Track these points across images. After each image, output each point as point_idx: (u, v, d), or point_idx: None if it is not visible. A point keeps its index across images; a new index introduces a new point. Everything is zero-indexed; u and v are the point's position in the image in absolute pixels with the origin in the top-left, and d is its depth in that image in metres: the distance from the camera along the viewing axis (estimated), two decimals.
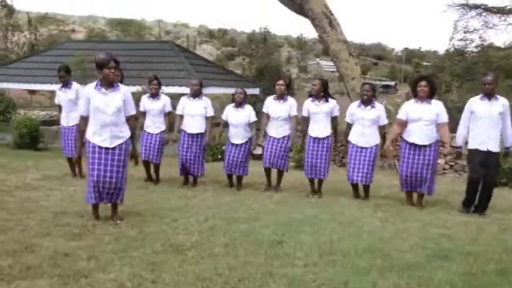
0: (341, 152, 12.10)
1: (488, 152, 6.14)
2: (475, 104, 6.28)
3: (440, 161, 11.50)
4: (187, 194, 6.87)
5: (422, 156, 6.38)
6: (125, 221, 5.16)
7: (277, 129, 7.21)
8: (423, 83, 6.41)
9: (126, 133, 5.21)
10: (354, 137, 6.88)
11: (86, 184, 5.20)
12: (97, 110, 5.02)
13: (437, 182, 6.79)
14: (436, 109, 6.36)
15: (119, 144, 5.11)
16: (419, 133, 6.37)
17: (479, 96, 6.30)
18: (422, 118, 6.34)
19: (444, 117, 6.38)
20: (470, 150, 6.34)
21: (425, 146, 6.36)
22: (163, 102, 7.59)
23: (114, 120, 5.06)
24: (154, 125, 7.61)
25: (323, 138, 7.00)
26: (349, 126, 6.95)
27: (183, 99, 7.56)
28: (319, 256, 4.22)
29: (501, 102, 6.18)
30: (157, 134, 7.61)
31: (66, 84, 7.80)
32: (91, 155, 5.07)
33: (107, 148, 5.05)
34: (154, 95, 7.60)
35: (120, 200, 5.28)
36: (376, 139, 6.83)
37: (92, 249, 4.21)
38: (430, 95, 6.43)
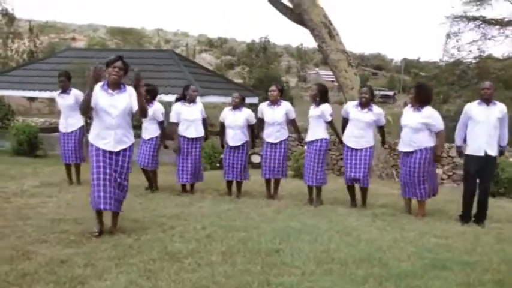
0: (339, 161, 12.13)
1: (486, 157, 6.13)
2: (473, 109, 6.28)
3: (439, 171, 11.54)
4: (185, 202, 6.86)
5: (409, 162, 6.42)
6: (121, 228, 5.10)
7: (274, 135, 7.25)
8: (412, 90, 6.58)
9: (131, 139, 5.02)
10: (346, 137, 6.91)
11: (91, 190, 4.87)
12: (101, 111, 4.84)
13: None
14: (426, 117, 6.31)
15: (123, 150, 4.93)
16: (405, 140, 6.46)
17: (477, 101, 6.31)
18: (408, 125, 6.40)
19: (436, 126, 6.33)
20: (467, 156, 6.34)
21: (411, 152, 6.38)
22: (154, 109, 7.56)
23: (119, 122, 4.88)
24: (146, 131, 7.64)
25: (311, 142, 7.04)
26: (345, 122, 6.92)
27: (177, 106, 7.49)
28: (316, 265, 4.21)
29: (499, 107, 6.20)
30: (148, 140, 7.61)
31: (64, 90, 7.81)
32: (95, 158, 4.86)
33: (110, 152, 4.86)
34: (147, 102, 7.63)
35: (120, 209, 5.07)
36: (369, 142, 6.82)
37: (88, 256, 4.20)
38: (422, 102, 6.40)
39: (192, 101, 7.51)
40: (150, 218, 5.74)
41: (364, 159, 6.78)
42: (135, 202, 6.60)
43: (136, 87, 4.85)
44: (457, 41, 19.87)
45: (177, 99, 7.65)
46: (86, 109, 4.95)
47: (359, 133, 6.77)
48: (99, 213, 5.00)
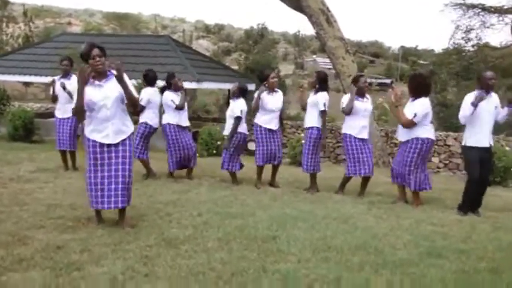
0: (336, 149, 12.14)
1: (487, 148, 6.11)
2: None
3: (435, 159, 11.57)
4: (182, 188, 6.86)
5: (401, 151, 6.52)
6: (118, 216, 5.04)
7: (275, 121, 7.28)
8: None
9: (130, 127, 4.74)
10: (355, 130, 6.79)
11: (86, 187, 4.71)
12: (95, 105, 4.52)
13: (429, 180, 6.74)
14: (413, 108, 6.28)
15: (123, 140, 4.64)
16: (400, 129, 6.50)
17: (477, 92, 6.24)
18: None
19: (415, 116, 6.25)
20: (469, 148, 6.14)
21: (404, 141, 6.43)
22: (141, 96, 7.52)
23: (115, 112, 4.58)
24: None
25: (306, 129, 7.12)
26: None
27: (170, 95, 7.51)
28: (312, 252, 4.23)
29: (495, 97, 6.18)
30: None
31: (65, 75, 7.74)
32: (92, 155, 4.59)
33: (109, 145, 4.58)
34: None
35: (128, 203, 4.79)
36: (368, 130, 7.00)
37: (85, 242, 4.20)
38: (415, 93, 6.36)
39: (178, 89, 7.54)
40: (146, 205, 5.74)
41: (370, 150, 6.92)
42: (132, 188, 6.58)
43: (120, 80, 4.55)
44: (466, 32, 19.82)
45: (162, 89, 7.61)
46: (82, 115, 4.63)
47: (366, 122, 6.84)
48: (97, 212, 4.85)
